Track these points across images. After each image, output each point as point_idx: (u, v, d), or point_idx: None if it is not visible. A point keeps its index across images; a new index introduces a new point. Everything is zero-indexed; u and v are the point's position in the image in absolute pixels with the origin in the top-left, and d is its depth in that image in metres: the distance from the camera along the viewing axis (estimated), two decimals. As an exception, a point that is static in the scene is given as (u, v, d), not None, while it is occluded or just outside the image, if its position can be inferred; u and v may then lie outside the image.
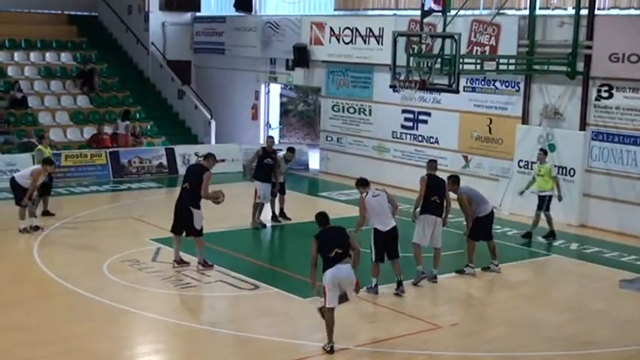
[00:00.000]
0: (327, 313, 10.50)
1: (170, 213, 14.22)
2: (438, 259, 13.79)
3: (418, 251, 13.54)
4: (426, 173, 14.03)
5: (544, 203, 16.76)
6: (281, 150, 18.23)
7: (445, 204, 13.77)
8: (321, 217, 11.05)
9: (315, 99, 32.05)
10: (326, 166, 24.54)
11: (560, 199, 16.73)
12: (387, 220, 12.73)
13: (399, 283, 12.84)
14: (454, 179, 14.25)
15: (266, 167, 17.18)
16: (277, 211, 17.80)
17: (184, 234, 13.96)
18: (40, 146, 18.29)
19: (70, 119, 25.31)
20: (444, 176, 20.54)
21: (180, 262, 14.01)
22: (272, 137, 18.92)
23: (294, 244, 16.58)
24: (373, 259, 12.82)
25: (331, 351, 10.39)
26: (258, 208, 17.14)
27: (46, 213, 17.67)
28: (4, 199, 19.24)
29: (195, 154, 23.90)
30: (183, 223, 13.85)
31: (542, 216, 16.85)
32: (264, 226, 17.33)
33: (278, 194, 17.66)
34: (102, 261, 14.13)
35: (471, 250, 14.28)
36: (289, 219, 17.85)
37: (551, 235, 16.96)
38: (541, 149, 17.29)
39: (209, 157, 14.29)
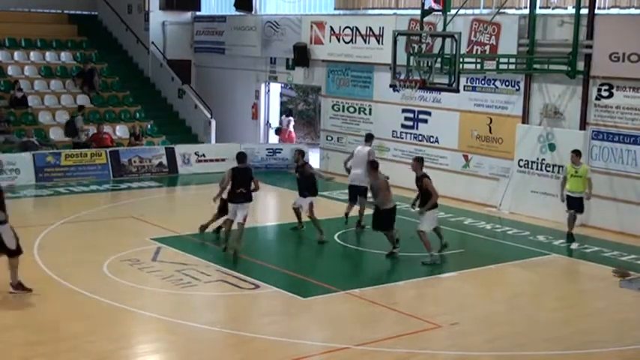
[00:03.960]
0: (225, 224, 15.09)
1: (170, 212, 14.21)
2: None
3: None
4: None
5: (578, 204, 16.55)
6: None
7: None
8: (241, 156, 15.00)
9: (315, 98, 32.05)
10: (326, 165, 24.54)
11: (588, 198, 16.62)
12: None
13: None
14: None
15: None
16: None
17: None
18: None
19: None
20: (443, 176, 20.76)
21: (17, 286, 12.19)
22: (299, 150, 17.09)
23: (294, 244, 16.57)
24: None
25: (225, 250, 14.65)
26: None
27: None
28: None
29: (195, 153, 23.98)
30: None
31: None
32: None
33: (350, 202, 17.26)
34: (102, 260, 14.11)
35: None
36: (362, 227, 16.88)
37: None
38: (575, 151, 16.73)
39: None
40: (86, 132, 23.78)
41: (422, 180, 14.56)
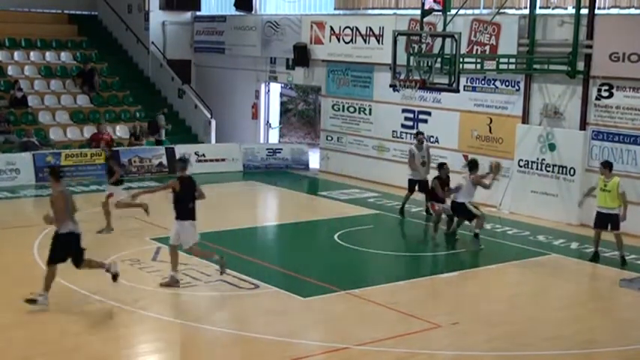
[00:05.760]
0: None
1: (170, 212, 14.15)
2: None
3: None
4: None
5: (612, 221, 15.31)
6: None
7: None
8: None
9: (315, 98, 32.06)
10: (326, 165, 24.55)
11: (623, 219, 15.28)
12: None
13: None
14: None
15: None
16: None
17: None
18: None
19: (70, 118, 25.31)
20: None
21: None
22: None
23: (294, 243, 16.58)
24: None
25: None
26: None
27: None
28: (4, 199, 19.28)
29: (195, 153, 23.97)
30: None
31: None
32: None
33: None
34: (102, 260, 14.08)
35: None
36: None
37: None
38: (604, 163, 15.45)
39: None
40: (168, 129, 25.00)
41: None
